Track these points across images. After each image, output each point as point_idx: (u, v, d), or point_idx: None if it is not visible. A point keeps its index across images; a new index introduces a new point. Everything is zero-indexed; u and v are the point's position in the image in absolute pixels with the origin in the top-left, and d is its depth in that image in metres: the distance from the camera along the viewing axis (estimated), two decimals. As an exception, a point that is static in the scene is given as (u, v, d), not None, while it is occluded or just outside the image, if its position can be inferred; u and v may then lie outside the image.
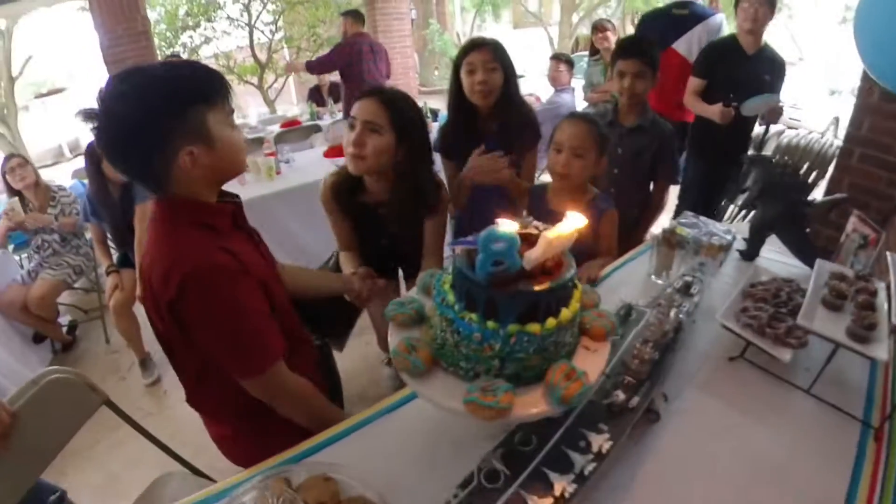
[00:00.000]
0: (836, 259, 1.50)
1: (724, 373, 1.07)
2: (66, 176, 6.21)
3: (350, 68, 4.23)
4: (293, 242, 2.97)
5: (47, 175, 9.46)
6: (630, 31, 15.20)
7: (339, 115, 5.40)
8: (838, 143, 2.65)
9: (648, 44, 1.96)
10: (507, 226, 0.68)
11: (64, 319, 3.37)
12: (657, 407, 0.91)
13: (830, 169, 2.65)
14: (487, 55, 1.65)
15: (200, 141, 0.87)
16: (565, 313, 0.70)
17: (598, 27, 3.87)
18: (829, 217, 2.37)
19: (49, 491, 1.39)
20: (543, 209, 1.62)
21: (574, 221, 0.69)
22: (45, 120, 13.00)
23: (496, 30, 16.77)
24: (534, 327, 0.68)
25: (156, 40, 7.58)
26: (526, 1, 14.45)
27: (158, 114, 0.83)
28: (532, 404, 0.69)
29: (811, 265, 1.43)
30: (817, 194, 2.86)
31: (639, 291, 1.37)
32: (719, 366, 1.09)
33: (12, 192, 3.10)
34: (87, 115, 0.85)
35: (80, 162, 4.99)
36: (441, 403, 0.71)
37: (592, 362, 0.75)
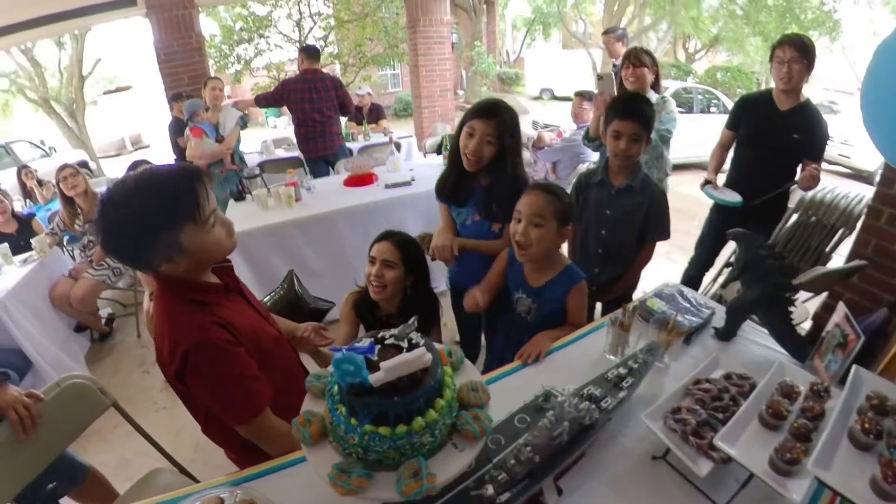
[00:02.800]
0: (817, 352, 1.45)
1: (642, 472, 1.02)
2: (125, 168, 6.72)
3: (290, 104, 4.35)
4: (307, 268, 3.07)
5: (109, 166, 10.20)
6: (681, 56, 14.90)
7: (373, 139, 5.51)
8: (867, 200, 2.52)
9: (648, 104, 1.89)
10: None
11: (105, 311, 3.70)
12: (546, 500, 0.90)
13: (858, 227, 2.53)
14: (489, 128, 1.65)
15: (175, 254, 1.03)
16: (418, 422, 0.76)
17: (634, 60, 2.71)
18: (851, 281, 2.27)
19: (75, 465, 1.71)
20: (517, 277, 1.63)
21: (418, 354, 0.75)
22: (110, 115, 13.99)
23: (545, 49, 16.77)
24: (385, 430, 0.76)
25: (212, 52, 8.09)
26: (574, 22, 14.35)
27: (132, 250, 1.02)
28: (383, 489, 0.77)
29: (792, 353, 1.40)
30: (843, 249, 2.76)
31: (590, 367, 1.34)
32: (639, 464, 1.04)
33: (64, 198, 3.40)
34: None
35: (140, 156, 5.43)
36: (317, 472, 0.80)
37: (453, 461, 0.80)
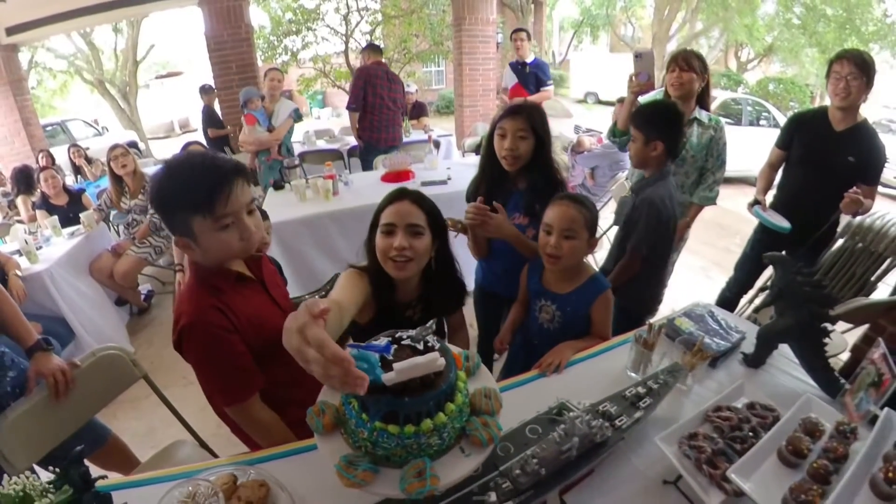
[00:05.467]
0: (849, 389, 1.39)
1: (650, 495, 1.00)
2: (173, 150, 7.07)
3: (370, 88, 4.38)
4: (339, 259, 3.14)
5: (158, 147, 10.67)
6: (732, 65, 14.35)
7: (413, 135, 5.55)
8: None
9: (662, 113, 1.87)
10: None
11: (144, 288, 3.88)
12: (548, 512, 0.88)
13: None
14: (520, 123, 1.68)
15: (187, 237, 1.12)
16: (426, 423, 0.77)
17: (682, 63, 2.36)
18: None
19: (97, 428, 1.79)
20: (537, 285, 1.63)
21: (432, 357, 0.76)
22: (161, 98, 14.60)
23: (592, 51, 16.52)
24: (393, 429, 0.77)
25: (261, 42, 8.31)
26: (623, 25, 14.04)
27: (160, 211, 1.17)
28: (387, 485, 0.78)
29: (822, 387, 1.34)
30: (891, 279, 2.63)
31: (610, 382, 1.32)
32: (648, 486, 1.02)
33: (113, 176, 3.57)
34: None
35: (187, 139, 5.83)
36: (328, 461, 0.82)
37: (459, 465, 0.81)
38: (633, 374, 1.36)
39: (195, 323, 1.13)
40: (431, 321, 0.86)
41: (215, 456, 1.64)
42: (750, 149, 6.15)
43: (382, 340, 0.81)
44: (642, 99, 2.34)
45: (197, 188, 1.07)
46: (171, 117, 14.75)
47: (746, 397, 1.20)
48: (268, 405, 1.24)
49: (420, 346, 0.82)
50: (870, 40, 9.37)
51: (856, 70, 2.14)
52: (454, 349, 0.91)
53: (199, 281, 1.19)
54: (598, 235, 1.59)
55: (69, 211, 3.74)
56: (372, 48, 4.65)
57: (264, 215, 2.30)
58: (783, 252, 2.58)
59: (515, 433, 0.99)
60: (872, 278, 2.61)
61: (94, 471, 0.94)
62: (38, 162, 5.35)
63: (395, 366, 0.73)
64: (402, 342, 0.83)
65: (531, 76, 4.62)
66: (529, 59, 4.63)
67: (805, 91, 12.50)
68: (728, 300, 2.82)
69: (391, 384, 0.74)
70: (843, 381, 1.32)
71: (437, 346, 0.82)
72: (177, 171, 1.10)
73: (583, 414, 0.95)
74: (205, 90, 6.14)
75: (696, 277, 3.95)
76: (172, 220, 1.13)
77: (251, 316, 1.21)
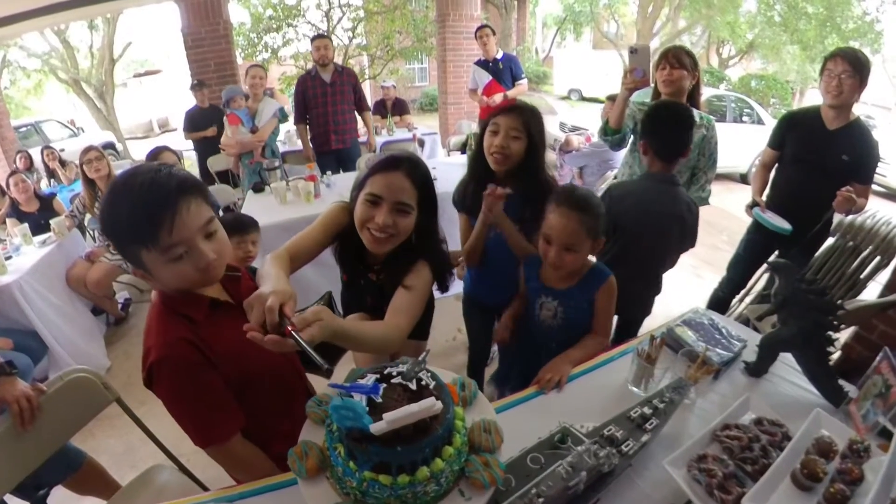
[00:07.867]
0: (853, 398, 1.35)
1: None
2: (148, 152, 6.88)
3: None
4: (322, 264, 3.03)
5: (136, 147, 10.41)
6: (714, 62, 14.50)
7: (396, 134, 5.51)
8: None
9: (647, 112, 1.90)
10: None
11: (121, 296, 3.72)
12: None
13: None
14: (514, 121, 1.60)
15: (141, 268, 0.99)
16: (422, 472, 0.70)
17: (673, 60, 2.28)
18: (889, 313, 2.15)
19: (70, 453, 1.69)
20: (535, 282, 1.57)
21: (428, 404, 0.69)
22: (140, 97, 14.27)
23: (575, 48, 16.53)
24: (385, 479, 0.70)
25: (240, 40, 8.16)
26: (606, 22, 14.08)
27: (110, 242, 1.01)
28: None
29: (826, 396, 1.29)
30: (882, 277, 2.63)
31: (612, 399, 1.27)
32: None
33: (87, 179, 3.42)
34: None
35: (167, 139, 5.56)
36: None
37: None
38: (635, 389, 1.31)
39: (164, 359, 1.00)
40: (424, 353, 0.78)
41: (195, 480, 1.57)
42: (734, 145, 6.19)
43: (370, 379, 0.74)
44: (635, 95, 2.28)
45: (134, 218, 0.91)
46: (150, 116, 14.41)
47: (753, 412, 1.16)
48: (251, 438, 1.14)
49: (412, 386, 0.74)
50: (849, 38, 9.56)
51: (850, 68, 2.12)
52: (448, 377, 0.84)
53: (168, 310, 1.05)
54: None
55: (41, 217, 3.57)
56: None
57: (254, 225, 2.19)
58: (776, 251, 2.59)
59: (516, 463, 0.91)
60: (862, 277, 2.59)
61: (70, 496, 0.85)
62: (15, 163, 5.12)
63: (386, 416, 0.66)
64: (392, 380, 0.76)
65: (506, 71, 4.56)
66: (498, 55, 4.56)
67: (786, 87, 12.67)
68: (721, 300, 2.80)
69: (381, 433, 0.66)
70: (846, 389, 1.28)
71: (432, 384, 0.74)
72: (118, 198, 0.93)
73: (589, 445, 0.88)
74: (200, 86, 5.19)
75: (686, 276, 3.93)
76: (124, 252, 0.98)
77: (229, 346, 1.06)
